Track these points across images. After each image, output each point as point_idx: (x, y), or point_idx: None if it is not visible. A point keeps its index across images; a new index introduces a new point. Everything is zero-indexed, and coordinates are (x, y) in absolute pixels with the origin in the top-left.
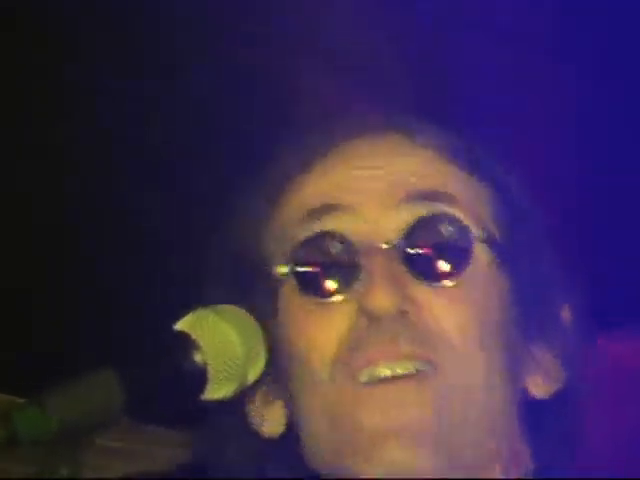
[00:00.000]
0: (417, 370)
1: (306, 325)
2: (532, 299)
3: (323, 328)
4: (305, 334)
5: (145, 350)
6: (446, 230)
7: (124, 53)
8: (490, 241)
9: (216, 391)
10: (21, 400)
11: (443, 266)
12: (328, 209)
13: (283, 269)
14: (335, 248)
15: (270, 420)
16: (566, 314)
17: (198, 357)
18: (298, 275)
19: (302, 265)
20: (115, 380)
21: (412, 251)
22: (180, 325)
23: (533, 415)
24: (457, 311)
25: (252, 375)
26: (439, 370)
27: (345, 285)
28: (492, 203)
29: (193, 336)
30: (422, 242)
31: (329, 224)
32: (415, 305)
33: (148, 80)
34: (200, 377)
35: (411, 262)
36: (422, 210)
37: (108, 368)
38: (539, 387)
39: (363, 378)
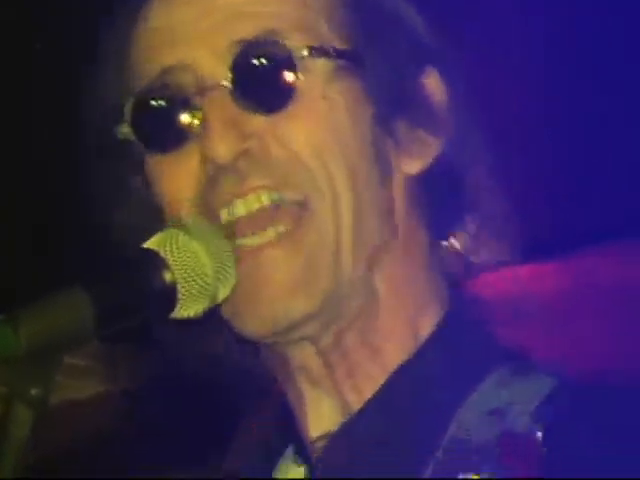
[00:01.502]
0: (272, 201)
1: (162, 182)
2: (391, 87)
3: (178, 182)
4: (164, 191)
5: (115, 269)
6: (270, 56)
7: None
8: (332, 52)
9: (186, 309)
10: None
11: (272, 93)
12: (158, 72)
13: (125, 129)
14: (172, 101)
15: None
16: (430, 80)
17: (168, 276)
18: (137, 133)
19: (141, 123)
20: (85, 299)
21: (241, 86)
22: (149, 244)
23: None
24: (299, 134)
25: (222, 292)
26: (309, 213)
27: (186, 135)
28: (336, 8)
29: (162, 255)
30: (248, 74)
31: (163, 79)
32: (256, 139)
33: None
34: (170, 295)
35: (243, 97)
36: (245, 43)
37: (78, 287)
38: (412, 164)
39: (223, 218)
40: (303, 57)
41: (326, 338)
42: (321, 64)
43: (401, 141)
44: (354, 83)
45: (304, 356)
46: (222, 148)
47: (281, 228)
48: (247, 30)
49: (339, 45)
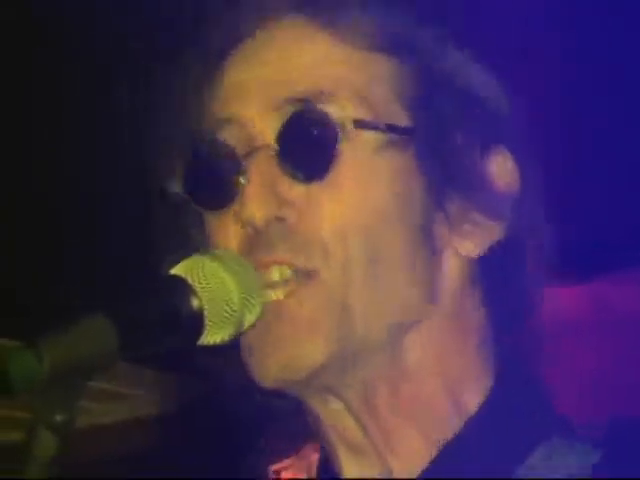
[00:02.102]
0: (293, 281)
1: (213, 238)
2: (446, 164)
3: (225, 240)
4: (215, 246)
5: (142, 295)
6: (315, 123)
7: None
8: (382, 126)
9: (212, 335)
10: (13, 343)
11: (310, 163)
12: (216, 123)
13: (177, 187)
14: (221, 159)
15: None
16: (498, 162)
17: (195, 302)
18: (190, 192)
19: (191, 182)
20: (110, 325)
21: (285, 150)
22: (177, 270)
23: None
24: (333, 212)
25: (248, 320)
26: (316, 280)
27: (229, 196)
28: (401, 80)
29: (189, 281)
30: (294, 141)
31: (216, 136)
32: (292, 209)
33: None
34: (197, 322)
35: (286, 161)
36: (294, 109)
37: (102, 313)
38: (466, 246)
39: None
40: (349, 128)
41: (351, 394)
42: (368, 137)
43: (458, 222)
44: (404, 157)
45: (334, 414)
46: (257, 210)
47: (290, 286)
48: (298, 88)
49: (393, 118)
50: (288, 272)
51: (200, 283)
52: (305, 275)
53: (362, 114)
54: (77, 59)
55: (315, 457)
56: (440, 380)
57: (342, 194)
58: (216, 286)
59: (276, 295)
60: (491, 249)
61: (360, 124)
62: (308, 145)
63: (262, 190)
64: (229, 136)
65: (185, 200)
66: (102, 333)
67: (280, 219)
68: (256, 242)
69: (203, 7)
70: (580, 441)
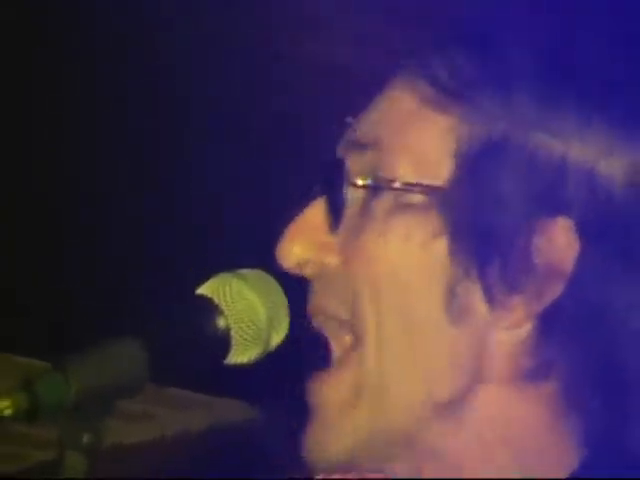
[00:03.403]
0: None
1: None
2: (482, 233)
3: None
4: None
5: (168, 315)
6: (338, 176)
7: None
8: (424, 187)
9: (239, 355)
10: (42, 363)
11: (331, 213)
12: None
13: None
14: None
15: None
16: (542, 238)
17: (221, 322)
18: None
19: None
20: (139, 346)
21: (327, 198)
22: (203, 290)
23: None
24: (363, 269)
25: (275, 339)
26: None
27: None
28: (456, 138)
29: (216, 301)
30: (332, 190)
31: None
32: (332, 255)
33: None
34: (224, 342)
35: (327, 210)
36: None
37: (131, 334)
38: (509, 320)
39: None
40: (358, 185)
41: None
42: (410, 197)
43: (493, 295)
44: (428, 219)
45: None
46: (288, 251)
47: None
48: (357, 134)
49: (437, 178)
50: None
51: (226, 302)
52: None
53: (404, 171)
54: (77, 59)
55: None
56: (511, 453)
57: (362, 250)
58: (242, 305)
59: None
60: (552, 312)
61: (375, 181)
62: (337, 194)
63: (299, 232)
64: None
65: None
66: (131, 355)
67: (320, 264)
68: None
69: (203, 7)
70: None
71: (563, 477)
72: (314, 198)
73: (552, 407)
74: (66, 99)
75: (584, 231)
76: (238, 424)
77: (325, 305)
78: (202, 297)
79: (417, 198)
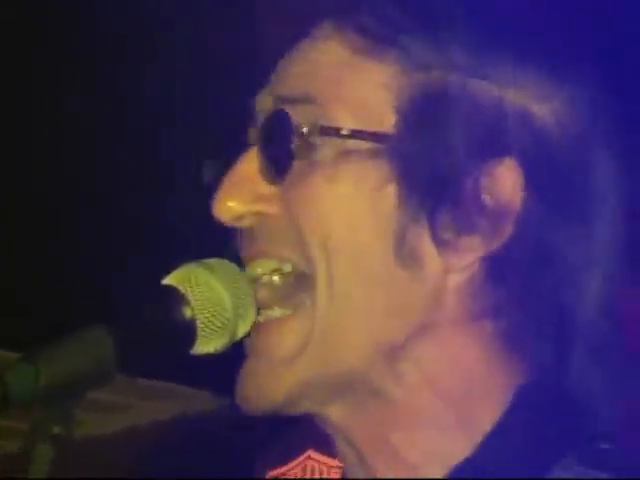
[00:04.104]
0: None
1: None
2: (429, 176)
3: None
4: None
5: (134, 305)
6: (278, 127)
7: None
8: (363, 134)
9: (206, 345)
10: (10, 355)
11: (279, 164)
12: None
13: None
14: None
15: None
16: (500, 174)
17: (187, 311)
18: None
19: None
20: (105, 336)
21: (263, 148)
22: (169, 279)
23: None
24: (309, 215)
25: (242, 329)
26: (308, 303)
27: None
28: (397, 88)
29: (182, 290)
30: (268, 141)
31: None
32: (270, 205)
33: None
34: (190, 331)
35: (262, 161)
36: (276, 108)
37: (97, 325)
38: (454, 261)
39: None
40: (304, 133)
41: (339, 414)
42: (349, 143)
43: (440, 236)
44: (386, 166)
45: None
46: (224, 205)
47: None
48: (289, 88)
49: (379, 125)
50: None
51: (192, 292)
52: (300, 277)
53: (344, 120)
54: (77, 59)
55: (316, 462)
56: (444, 395)
57: (309, 196)
58: (208, 295)
59: (265, 316)
60: (500, 253)
61: (322, 130)
62: (277, 146)
63: (234, 185)
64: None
65: None
66: (98, 345)
67: (257, 213)
68: (240, 235)
69: (203, 7)
70: (594, 464)
71: (497, 416)
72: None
73: (491, 345)
74: (66, 99)
75: (526, 172)
76: (207, 413)
77: (268, 249)
78: (168, 287)
79: (364, 145)
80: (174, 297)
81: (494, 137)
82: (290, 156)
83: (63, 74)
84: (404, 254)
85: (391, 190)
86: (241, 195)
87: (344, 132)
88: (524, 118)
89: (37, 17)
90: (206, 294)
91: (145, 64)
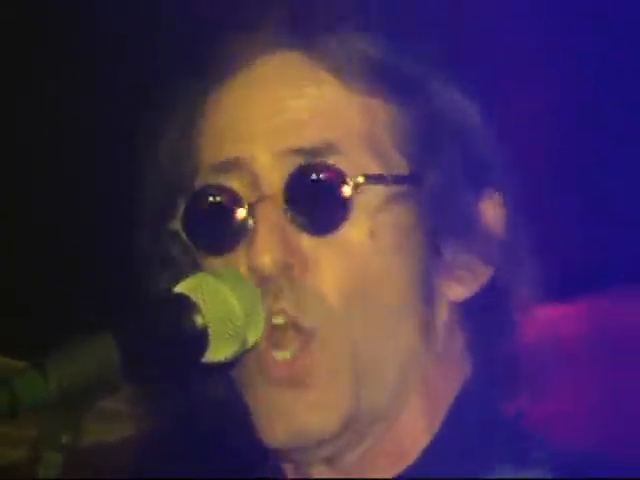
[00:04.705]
0: (296, 340)
1: None
2: (445, 211)
3: None
4: None
5: (146, 314)
6: (324, 179)
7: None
8: (390, 179)
9: (217, 353)
10: (19, 363)
11: (321, 217)
12: (216, 166)
13: (176, 225)
14: (225, 203)
15: None
16: (489, 204)
17: (199, 319)
18: (188, 233)
19: (192, 226)
20: (114, 345)
21: (293, 201)
22: (180, 288)
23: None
24: (339, 267)
25: (252, 336)
26: (318, 340)
27: (235, 241)
28: (399, 126)
29: (193, 299)
30: (302, 191)
31: (217, 178)
32: (300, 256)
33: None
34: (201, 339)
35: (294, 212)
36: (303, 161)
37: (107, 333)
38: (456, 290)
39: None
40: (359, 182)
41: (349, 458)
42: (377, 190)
43: (450, 267)
44: (407, 208)
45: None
46: (266, 256)
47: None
48: (307, 139)
49: (398, 168)
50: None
51: (204, 300)
52: (308, 334)
53: (371, 167)
54: (77, 59)
55: None
56: (418, 409)
57: (351, 249)
58: (219, 303)
59: (283, 355)
60: (475, 294)
61: (370, 178)
62: (318, 199)
63: (271, 237)
64: (232, 180)
65: (183, 240)
66: (108, 353)
67: (288, 266)
68: (264, 288)
69: (203, 7)
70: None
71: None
72: None
73: (460, 372)
74: (66, 99)
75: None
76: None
77: (285, 308)
78: (179, 295)
79: (395, 190)
80: (185, 305)
81: (484, 169)
82: (337, 209)
83: (63, 74)
84: (423, 289)
85: (419, 231)
86: (277, 247)
87: (389, 178)
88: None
89: (37, 17)
90: (217, 302)
91: (145, 64)
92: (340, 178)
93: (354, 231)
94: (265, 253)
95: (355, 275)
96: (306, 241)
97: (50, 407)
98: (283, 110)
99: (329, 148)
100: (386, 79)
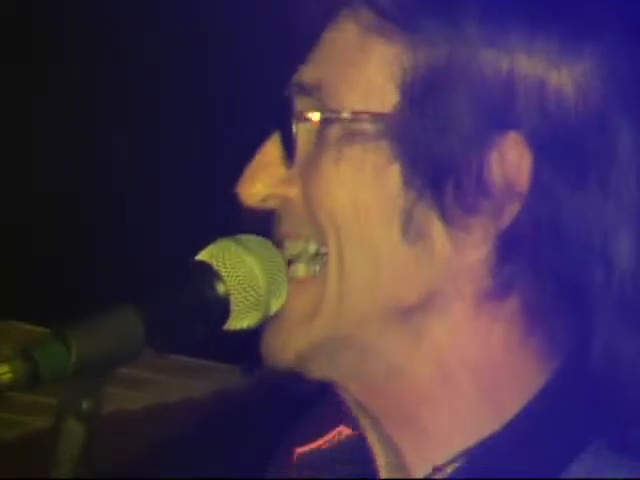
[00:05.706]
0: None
1: None
2: (433, 154)
3: None
4: None
5: (167, 281)
6: (300, 115)
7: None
8: (373, 115)
9: (239, 321)
10: (41, 329)
11: (293, 151)
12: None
13: None
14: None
15: None
16: (506, 151)
17: (221, 287)
18: None
19: None
20: (136, 313)
21: (282, 137)
22: (202, 256)
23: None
24: (323, 197)
25: (275, 305)
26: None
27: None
28: (401, 66)
29: (215, 267)
30: (285, 129)
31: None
32: (291, 187)
33: None
34: (223, 307)
35: (282, 147)
36: (300, 87)
37: (129, 301)
38: (465, 239)
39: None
40: (343, 118)
41: (351, 382)
42: (359, 126)
43: (448, 214)
44: (391, 145)
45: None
46: (250, 188)
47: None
48: (303, 76)
49: (387, 106)
50: (306, 246)
51: (226, 268)
52: (320, 257)
53: (347, 104)
54: (77, 59)
55: (343, 438)
56: (470, 372)
57: (322, 180)
58: (242, 271)
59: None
60: (513, 231)
61: (334, 115)
62: (289, 132)
63: (259, 170)
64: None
65: None
66: (130, 322)
67: (281, 197)
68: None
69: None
70: (622, 453)
71: (528, 397)
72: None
73: (514, 325)
74: (66, 99)
75: (536, 145)
76: (239, 390)
77: (292, 231)
78: (201, 263)
79: (367, 126)
80: (207, 273)
81: (501, 112)
82: (296, 142)
83: (64, 74)
84: (411, 231)
85: (395, 170)
86: (265, 178)
87: (345, 116)
88: (538, 89)
89: (37, 17)
90: (239, 270)
91: (145, 64)
92: (296, 115)
93: (318, 161)
94: (250, 184)
95: (328, 203)
96: (294, 173)
97: (71, 374)
98: (312, 53)
99: (316, 84)
100: (395, 19)
